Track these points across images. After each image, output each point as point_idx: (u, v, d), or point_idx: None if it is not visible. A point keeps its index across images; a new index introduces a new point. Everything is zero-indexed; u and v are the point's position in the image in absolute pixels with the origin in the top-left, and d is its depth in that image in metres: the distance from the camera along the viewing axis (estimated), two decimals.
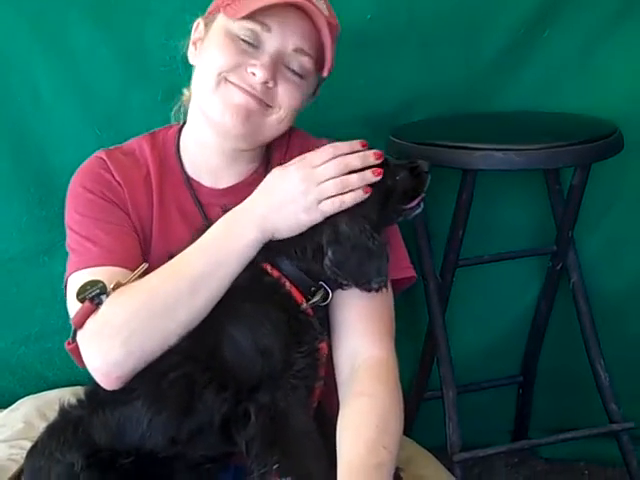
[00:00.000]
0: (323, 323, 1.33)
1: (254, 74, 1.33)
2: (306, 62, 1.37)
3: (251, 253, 1.28)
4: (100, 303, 1.26)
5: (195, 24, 1.45)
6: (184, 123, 1.52)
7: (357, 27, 1.81)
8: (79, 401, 1.30)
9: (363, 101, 1.88)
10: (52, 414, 1.37)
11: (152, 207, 1.43)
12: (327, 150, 1.31)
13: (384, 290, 1.34)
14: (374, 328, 1.36)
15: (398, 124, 1.89)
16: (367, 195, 1.28)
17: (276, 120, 1.39)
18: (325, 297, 1.32)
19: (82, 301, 1.27)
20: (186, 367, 1.21)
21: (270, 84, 1.35)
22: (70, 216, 1.42)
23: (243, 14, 1.31)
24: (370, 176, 1.29)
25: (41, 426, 1.40)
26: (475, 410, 2.08)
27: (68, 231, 1.41)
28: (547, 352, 2.19)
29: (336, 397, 1.35)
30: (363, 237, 1.26)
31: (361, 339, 1.35)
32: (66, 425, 1.27)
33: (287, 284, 1.28)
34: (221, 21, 1.37)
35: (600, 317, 2.00)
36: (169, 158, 1.48)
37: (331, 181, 1.27)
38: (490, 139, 1.66)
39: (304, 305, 1.29)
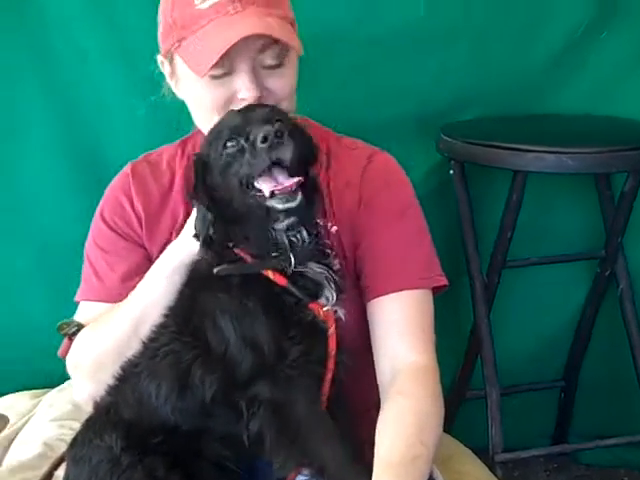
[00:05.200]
0: (312, 288, 1.26)
1: (245, 99, 1.33)
2: (274, 50, 1.34)
3: (177, 286, 1.33)
4: None
5: (159, 60, 1.43)
6: None
7: (410, 24, 1.81)
8: (106, 391, 1.35)
9: (415, 98, 1.88)
10: None
11: (173, 226, 1.46)
12: None
13: (422, 295, 1.37)
14: (413, 334, 1.37)
15: (449, 122, 1.89)
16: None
17: (284, 107, 1.36)
18: (282, 262, 1.24)
19: (64, 336, 1.42)
20: (175, 344, 1.26)
21: (262, 94, 1.35)
22: (88, 240, 1.51)
23: (206, 71, 1.29)
24: None
25: (87, 408, 1.44)
26: (516, 412, 2.07)
27: (84, 256, 1.50)
28: (591, 358, 2.18)
29: (371, 393, 1.36)
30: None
31: (400, 345, 1.36)
32: (99, 413, 1.33)
33: (249, 259, 1.25)
34: (182, 63, 1.36)
35: None
36: None
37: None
38: (543, 141, 1.66)
39: (219, 269, 1.23)
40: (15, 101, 1.89)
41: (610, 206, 1.93)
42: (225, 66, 1.30)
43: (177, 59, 1.36)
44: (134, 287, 1.39)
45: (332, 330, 1.26)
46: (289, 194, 1.16)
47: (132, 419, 1.26)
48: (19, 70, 1.87)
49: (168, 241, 1.42)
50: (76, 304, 1.93)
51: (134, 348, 1.32)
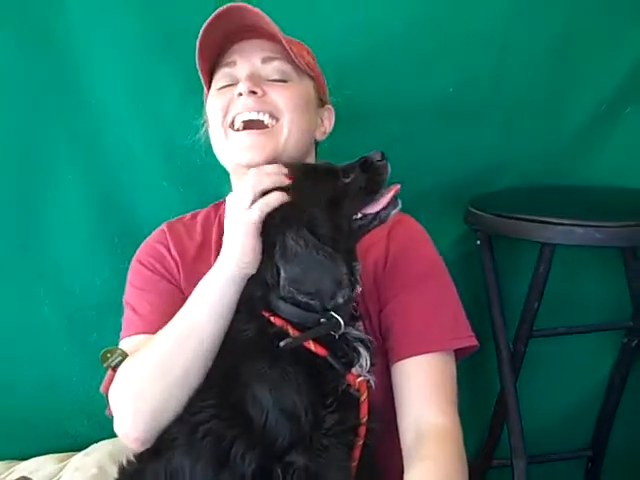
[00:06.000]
0: (349, 354, 1.27)
1: (240, 94, 1.40)
2: (279, 65, 1.44)
3: (226, 296, 1.28)
4: None
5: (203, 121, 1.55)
6: None
7: (439, 99, 1.86)
8: (134, 456, 1.34)
9: (443, 170, 1.91)
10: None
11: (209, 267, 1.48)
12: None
13: (446, 358, 1.38)
14: (438, 398, 1.37)
15: (477, 194, 1.91)
16: (287, 199, 1.24)
17: (288, 126, 1.42)
18: (335, 327, 1.25)
19: (107, 369, 1.37)
20: (214, 423, 1.23)
21: (259, 92, 1.40)
22: (127, 288, 1.52)
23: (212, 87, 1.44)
24: (282, 179, 1.27)
25: (113, 471, 1.43)
26: None
27: (124, 304, 1.50)
28: (619, 427, 2.16)
29: (397, 457, 1.36)
30: (309, 249, 1.20)
31: (425, 408, 1.36)
32: None
33: (290, 331, 1.23)
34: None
35: None
36: None
37: (245, 190, 1.26)
38: (570, 214, 1.67)
39: (285, 341, 1.22)
40: (46, 157, 1.92)
41: (637, 277, 1.93)
42: (227, 68, 1.44)
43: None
44: None
45: (364, 397, 1.26)
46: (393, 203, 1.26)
47: None
48: (53, 127, 1.90)
49: None
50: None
51: (175, 376, 1.28)
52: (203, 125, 1.55)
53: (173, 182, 1.90)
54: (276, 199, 1.24)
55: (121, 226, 1.94)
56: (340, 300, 1.22)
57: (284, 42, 1.40)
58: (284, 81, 1.44)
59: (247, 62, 1.43)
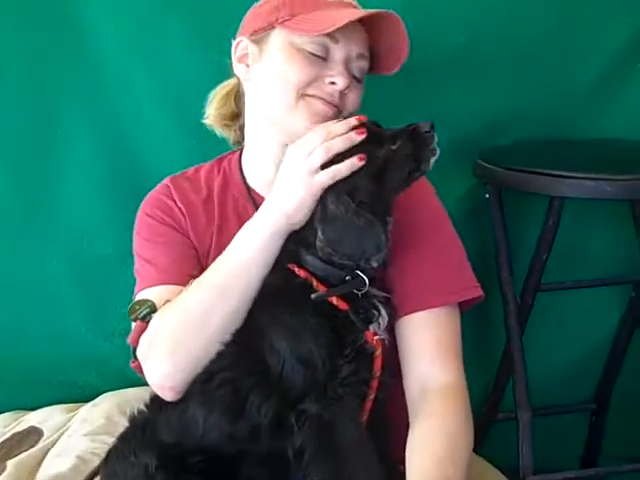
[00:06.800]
0: (369, 312, 1.30)
1: (334, 83, 1.35)
2: (365, 66, 1.41)
3: (271, 249, 1.29)
4: (150, 321, 1.33)
5: (235, 43, 1.46)
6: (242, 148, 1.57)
7: (450, 49, 1.83)
8: (145, 405, 1.35)
9: (453, 123, 1.86)
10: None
11: (212, 224, 1.49)
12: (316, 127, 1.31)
13: (451, 312, 1.38)
14: (442, 354, 1.38)
15: (486, 146, 1.90)
16: (362, 163, 1.24)
17: None
18: (359, 285, 1.28)
19: (135, 320, 1.35)
20: (231, 371, 1.25)
21: (346, 91, 1.37)
22: (135, 241, 1.51)
23: (321, 31, 1.31)
24: (354, 137, 1.25)
25: (121, 422, 1.46)
26: (545, 434, 2.06)
27: (135, 256, 1.50)
28: (623, 380, 2.17)
29: (403, 411, 1.37)
30: (349, 215, 1.22)
31: (430, 366, 1.37)
32: (135, 429, 1.33)
33: (314, 283, 1.26)
34: (280, 37, 1.38)
35: None
36: (233, 176, 1.54)
37: (317, 149, 1.25)
38: (581, 167, 1.66)
39: (317, 295, 1.24)
40: (59, 112, 1.91)
41: None
42: (328, 40, 1.34)
43: (275, 34, 1.38)
44: (190, 272, 1.39)
45: (379, 352, 1.28)
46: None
47: (171, 442, 1.27)
48: (63, 81, 1.90)
49: (209, 244, 1.45)
50: (110, 314, 1.98)
51: (216, 326, 1.28)
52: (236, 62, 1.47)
53: (185, 133, 1.88)
54: (350, 167, 1.24)
55: (131, 177, 1.93)
56: (374, 264, 1.25)
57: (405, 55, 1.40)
58: (359, 81, 1.41)
59: (347, 49, 1.37)
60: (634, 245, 1.97)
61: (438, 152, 1.29)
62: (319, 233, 1.23)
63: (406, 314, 1.39)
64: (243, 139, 1.55)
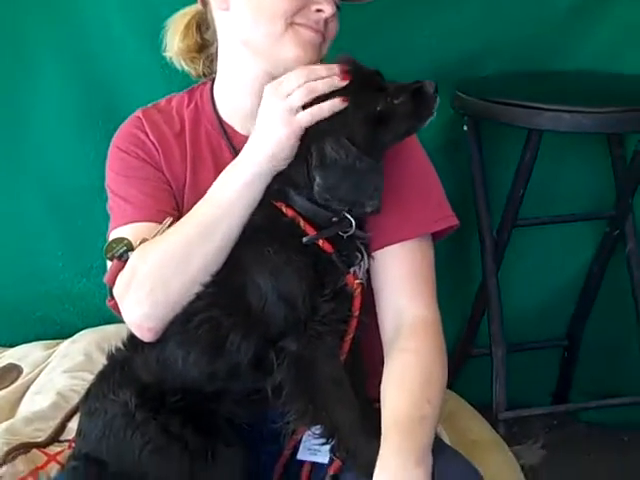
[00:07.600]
0: (351, 255, 1.29)
1: (320, 10, 1.33)
2: None
3: (255, 191, 1.27)
4: (127, 259, 1.30)
5: None
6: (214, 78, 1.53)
7: None
8: (123, 344, 1.34)
9: (429, 54, 1.87)
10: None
11: (186, 159, 1.45)
12: (297, 68, 1.29)
13: (425, 244, 1.37)
14: (417, 287, 1.37)
15: (464, 77, 1.89)
16: (345, 104, 1.21)
17: (324, 51, 1.39)
18: (346, 227, 1.27)
19: (111, 259, 1.31)
20: (211, 311, 1.24)
21: (331, 18, 1.35)
22: (108, 176, 1.47)
23: None
24: (337, 81, 1.23)
25: (100, 359, 1.45)
26: (518, 369, 2.08)
27: (108, 192, 1.46)
28: (595, 317, 2.20)
29: (378, 349, 1.37)
30: (350, 160, 1.20)
31: (404, 299, 1.36)
32: (114, 368, 1.32)
33: (302, 223, 1.24)
34: None
35: None
36: (205, 108, 1.50)
37: (298, 89, 1.23)
38: (559, 100, 1.65)
39: (308, 238, 1.24)
40: (27, 43, 1.88)
41: (622, 166, 1.93)
42: None
43: None
44: (164, 208, 1.37)
45: (358, 292, 1.28)
46: None
47: (150, 381, 1.27)
48: (32, 11, 1.86)
49: (183, 181, 1.43)
50: (88, 250, 1.96)
51: (197, 266, 1.26)
52: None
53: (156, 63, 1.84)
54: (331, 107, 1.22)
55: (105, 109, 1.90)
56: (368, 210, 1.24)
57: None
58: (338, 8, 1.37)
59: None
60: (610, 181, 1.98)
61: (435, 114, 1.27)
62: (317, 179, 1.21)
63: (380, 247, 1.39)
64: (211, 71, 1.52)
